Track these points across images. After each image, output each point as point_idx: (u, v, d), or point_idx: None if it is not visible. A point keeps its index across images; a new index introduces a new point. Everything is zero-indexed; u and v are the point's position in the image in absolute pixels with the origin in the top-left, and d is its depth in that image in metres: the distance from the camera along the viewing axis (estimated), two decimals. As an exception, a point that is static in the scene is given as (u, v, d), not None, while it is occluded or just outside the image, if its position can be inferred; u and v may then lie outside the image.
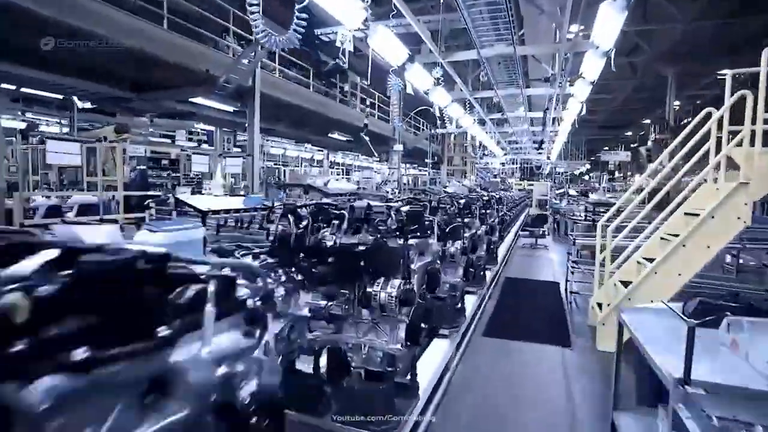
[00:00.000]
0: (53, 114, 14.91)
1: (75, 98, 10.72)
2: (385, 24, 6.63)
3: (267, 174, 16.26)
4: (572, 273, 5.96)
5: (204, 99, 9.46)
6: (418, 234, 1.83)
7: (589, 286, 5.86)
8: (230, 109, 10.57)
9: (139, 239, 2.91)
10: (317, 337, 1.73)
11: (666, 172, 4.39)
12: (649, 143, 25.60)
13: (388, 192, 8.25)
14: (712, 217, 3.63)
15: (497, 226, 5.15)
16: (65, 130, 14.04)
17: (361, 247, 1.58)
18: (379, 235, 1.62)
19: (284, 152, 24.21)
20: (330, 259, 1.63)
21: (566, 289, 6.27)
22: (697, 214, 3.97)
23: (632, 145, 34.32)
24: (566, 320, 4.93)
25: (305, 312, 1.68)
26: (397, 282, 1.56)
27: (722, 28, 13.30)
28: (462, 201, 3.28)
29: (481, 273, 4.12)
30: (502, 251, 8.11)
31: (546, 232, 11.87)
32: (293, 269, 1.71)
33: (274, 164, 23.81)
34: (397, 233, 1.67)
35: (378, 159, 25.10)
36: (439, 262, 1.95)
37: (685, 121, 21.05)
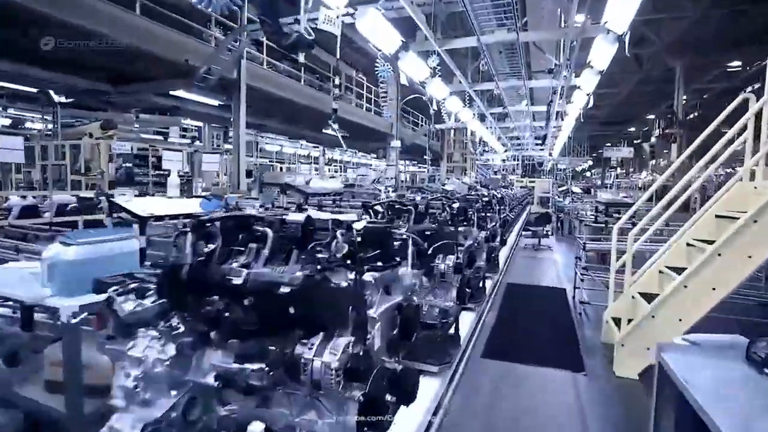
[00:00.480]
0: (38, 110, 14.39)
1: (51, 92, 10.12)
2: (375, 6, 6.03)
3: (260, 171, 15.69)
4: (582, 280, 5.40)
5: (185, 92, 8.86)
6: (382, 263, 1.25)
7: (599, 294, 5.29)
8: (215, 103, 9.98)
9: (50, 254, 2.35)
10: (232, 412, 1.16)
11: (692, 170, 3.79)
12: (653, 139, 25.00)
13: (380, 190, 7.66)
14: (755, 221, 3.04)
15: (499, 230, 4.57)
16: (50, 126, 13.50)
17: (284, 288, 1.01)
18: (318, 267, 1.06)
19: (281, 149, 23.64)
20: (244, 303, 1.06)
21: (574, 297, 5.71)
22: (732, 217, 3.40)
23: (635, 141, 33.69)
24: (576, 336, 4.36)
25: (210, 379, 1.11)
26: (342, 342, 0.99)
27: (733, 18, 12.66)
28: (456, 206, 2.66)
29: (480, 285, 3.55)
30: (504, 254, 7.54)
31: (549, 232, 11.32)
32: (192, 315, 1.13)
33: (270, 161, 23.25)
34: (349, 262, 1.10)
35: (376, 155, 24.54)
36: (415, 298, 1.39)
37: (692, 115, 20.43)
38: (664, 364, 1.79)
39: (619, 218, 6.36)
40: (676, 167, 4.41)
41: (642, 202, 4.20)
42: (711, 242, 3.41)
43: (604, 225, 5.72)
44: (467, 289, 2.30)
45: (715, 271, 3.18)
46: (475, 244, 2.78)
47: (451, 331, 2.60)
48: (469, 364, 3.42)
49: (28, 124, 16.69)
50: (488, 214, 3.63)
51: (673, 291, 3.31)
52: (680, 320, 3.26)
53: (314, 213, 1.28)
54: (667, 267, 3.86)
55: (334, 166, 28.04)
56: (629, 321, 3.57)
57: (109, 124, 11.64)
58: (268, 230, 1.15)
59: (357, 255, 1.11)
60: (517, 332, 4.38)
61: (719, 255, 3.17)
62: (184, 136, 17.96)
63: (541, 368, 3.59)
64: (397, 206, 2.41)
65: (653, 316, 3.39)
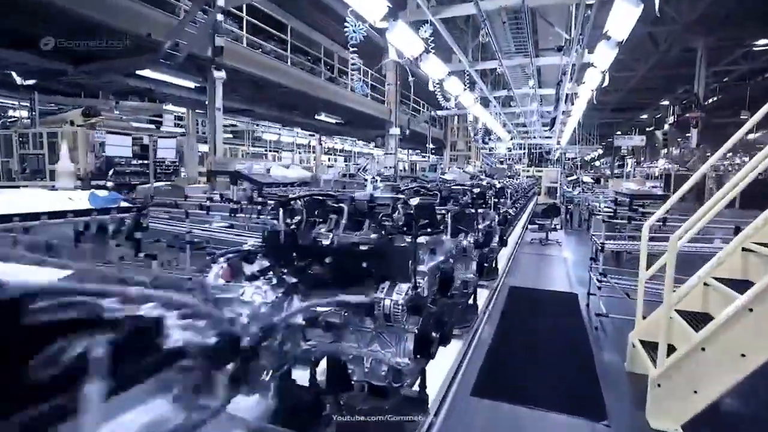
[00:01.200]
0: (15, 96, 13.63)
1: (14, 74, 9.27)
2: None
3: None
4: (599, 288, 4.50)
5: (153, 71, 7.97)
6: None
7: (617, 303, 4.40)
8: (191, 84, 9.09)
9: None
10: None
11: (760, 155, 2.85)
12: (666, 126, 23.77)
13: (366, 180, 6.74)
14: None
15: (497, 228, 3.67)
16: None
17: None
18: None
19: (278, 138, 22.74)
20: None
21: (588, 306, 4.82)
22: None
23: (647, 129, 32.37)
24: (593, 363, 3.47)
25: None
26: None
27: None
28: (415, 202, 1.68)
29: (471, 302, 2.68)
30: (506, 253, 6.66)
31: (558, 226, 10.40)
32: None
33: (265, 150, 22.38)
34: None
35: (375, 144, 23.54)
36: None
37: (711, 99, 19.22)
38: None
39: (643, 214, 5.46)
40: (721, 155, 3.46)
41: (680, 194, 3.27)
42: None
43: (627, 221, 4.78)
44: (435, 334, 1.43)
45: (796, 290, 2.28)
46: (451, 261, 1.90)
47: (415, 388, 1.73)
48: (453, 406, 2.57)
49: (10, 112, 15.99)
50: (480, 211, 2.73)
51: (733, 316, 2.41)
52: (743, 356, 2.38)
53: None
54: (714, 278, 2.96)
55: (334, 155, 27.17)
56: (668, 351, 2.68)
57: (91, 111, 10.87)
58: None
59: None
60: (519, 357, 3.50)
61: (802, 268, 2.27)
62: (178, 125, 17.14)
63: (548, 413, 2.72)
64: (328, 203, 1.53)
65: (703, 349, 2.50)
